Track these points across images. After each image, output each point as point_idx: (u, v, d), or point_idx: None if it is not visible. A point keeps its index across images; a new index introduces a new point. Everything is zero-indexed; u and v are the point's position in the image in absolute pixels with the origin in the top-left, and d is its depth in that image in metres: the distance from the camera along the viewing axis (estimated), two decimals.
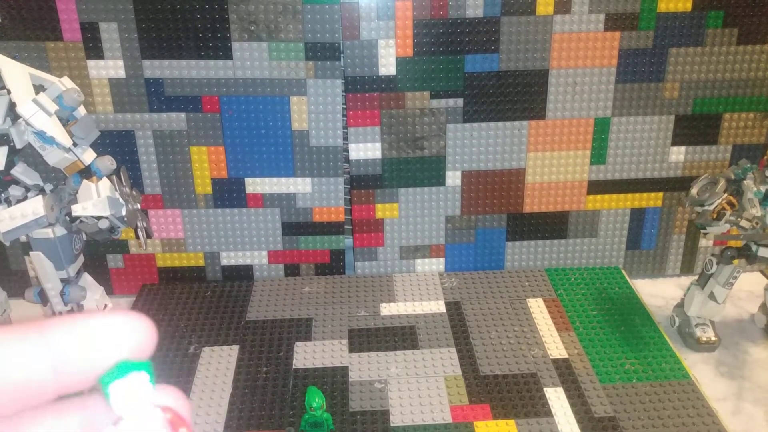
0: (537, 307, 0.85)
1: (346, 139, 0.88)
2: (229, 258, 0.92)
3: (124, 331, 0.18)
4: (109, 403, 0.18)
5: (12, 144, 0.65)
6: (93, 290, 0.75)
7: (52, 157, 0.66)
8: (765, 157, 0.83)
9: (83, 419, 0.19)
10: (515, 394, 0.71)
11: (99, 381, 0.18)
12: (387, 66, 0.84)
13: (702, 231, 0.77)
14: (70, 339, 0.18)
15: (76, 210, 0.65)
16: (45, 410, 0.18)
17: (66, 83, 0.66)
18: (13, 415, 0.17)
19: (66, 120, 0.66)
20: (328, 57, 0.83)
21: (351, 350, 0.78)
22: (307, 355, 0.77)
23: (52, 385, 0.18)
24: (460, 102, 0.86)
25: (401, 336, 0.80)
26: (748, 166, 0.75)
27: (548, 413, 0.69)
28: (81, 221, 0.67)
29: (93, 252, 0.89)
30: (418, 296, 0.88)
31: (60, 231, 0.68)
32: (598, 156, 0.90)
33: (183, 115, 0.85)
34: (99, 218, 0.66)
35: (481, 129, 0.88)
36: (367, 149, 0.88)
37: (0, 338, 0.17)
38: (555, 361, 0.76)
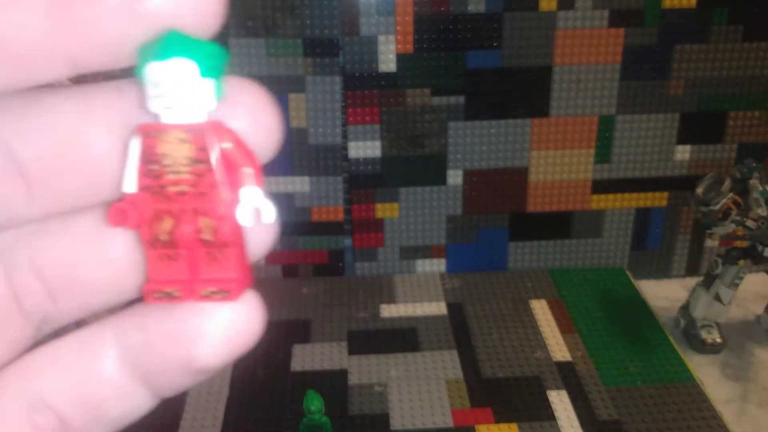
0: (540, 309, 0.84)
1: (345, 137, 0.87)
2: None
3: None
4: (143, 94, 0.13)
5: None
6: None
7: None
8: None
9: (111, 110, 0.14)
10: (518, 397, 0.71)
11: (137, 59, 0.13)
12: (387, 62, 0.83)
13: (707, 231, 0.77)
14: None
15: None
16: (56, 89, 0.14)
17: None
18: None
19: None
20: (326, 53, 0.82)
21: (350, 353, 0.77)
22: (305, 358, 0.76)
23: (54, 45, 0.13)
24: (461, 99, 0.85)
25: (401, 338, 0.79)
26: (754, 165, 0.75)
27: (551, 417, 0.68)
28: None
29: None
30: (418, 297, 0.87)
31: None
32: (603, 155, 0.89)
33: None
34: None
35: (483, 127, 0.87)
36: (366, 147, 0.87)
37: None
38: (558, 363, 0.75)
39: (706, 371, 0.77)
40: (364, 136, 0.86)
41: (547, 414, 0.68)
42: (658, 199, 0.92)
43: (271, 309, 0.90)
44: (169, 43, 0.12)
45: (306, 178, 0.88)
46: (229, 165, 0.14)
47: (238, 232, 0.14)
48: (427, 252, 0.92)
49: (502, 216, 0.91)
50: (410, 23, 0.82)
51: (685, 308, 0.82)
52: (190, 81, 0.13)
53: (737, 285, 0.77)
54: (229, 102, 0.14)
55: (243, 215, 0.14)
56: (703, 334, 0.80)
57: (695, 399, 0.70)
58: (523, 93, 0.85)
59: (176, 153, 0.13)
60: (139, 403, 0.15)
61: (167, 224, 0.14)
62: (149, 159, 0.13)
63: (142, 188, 0.14)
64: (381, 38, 0.82)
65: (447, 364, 0.75)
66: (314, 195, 0.89)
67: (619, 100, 0.86)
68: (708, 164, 0.90)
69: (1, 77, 0.13)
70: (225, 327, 0.14)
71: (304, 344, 0.78)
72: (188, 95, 0.13)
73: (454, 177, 0.89)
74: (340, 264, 0.92)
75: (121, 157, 0.14)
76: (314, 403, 0.60)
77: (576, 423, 0.67)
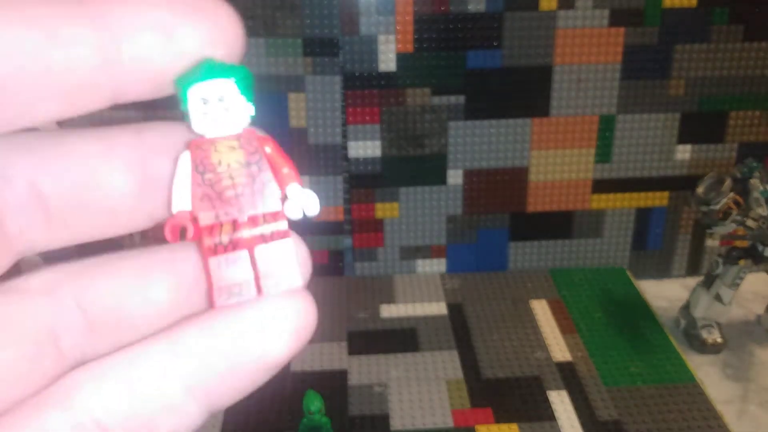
0: (540, 309, 0.84)
1: (345, 136, 0.87)
2: None
3: (203, 13, 0.14)
4: (186, 117, 0.14)
5: None
6: None
7: None
8: None
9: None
10: (518, 397, 0.70)
11: (175, 84, 0.14)
12: (387, 62, 0.83)
13: (708, 231, 0.77)
14: (130, 19, 0.13)
15: None
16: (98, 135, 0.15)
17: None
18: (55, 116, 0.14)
19: None
20: (326, 53, 0.82)
21: (350, 353, 0.77)
22: (305, 358, 0.76)
23: (102, 81, 0.13)
24: (461, 99, 0.85)
25: (401, 338, 0.79)
26: (755, 164, 0.75)
27: (552, 417, 0.68)
28: None
29: (90, 252, 0.88)
30: (418, 298, 0.87)
31: None
32: (603, 154, 0.89)
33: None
34: None
35: (483, 126, 0.86)
36: (366, 147, 0.87)
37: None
38: (559, 364, 0.75)
39: (706, 371, 0.76)
40: (364, 135, 0.86)
41: (547, 414, 0.68)
42: (658, 199, 0.91)
43: None
44: (209, 67, 0.14)
45: (306, 178, 0.88)
46: (272, 166, 0.15)
47: (290, 226, 0.16)
48: (427, 252, 0.92)
49: (502, 216, 0.91)
50: (410, 23, 0.82)
51: (686, 308, 0.82)
52: (232, 96, 0.15)
53: (738, 285, 0.77)
54: (192, 14, 0.14)
55: (292, 210, 0.15)
56: (704, 334, 0.79)
57: (696, 399, 0.70)
58: (523, 92, 0.85)
59: (229, 159, 0.15)
60: (192, 417, 0.15)
61: (227, 227, 0.15)
62: (204, 169, 0.15)
63: (200, 197, 0.15)
64: (381, 38, 0.82)
65: (447, 364, 0.75)
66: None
67: (619, 99, 0.86)
68: (708, 164, 0.90)
69: (51, 109, 0.14)
70: (293, 318, 0.15)
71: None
72: (232, 109, 0.15)
73: (455, 177, 0.89)
74: (340, 264, 0.92)
75: (138, 196, 0.15)
76: (314, 404, 0.60)
77: (576, 423, 0.67)
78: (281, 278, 0.15)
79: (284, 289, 0.15)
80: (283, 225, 0.15)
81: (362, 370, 0.74)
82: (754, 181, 0.73)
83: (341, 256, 0.92)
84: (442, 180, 0.89)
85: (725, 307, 0.79)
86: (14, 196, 0.14)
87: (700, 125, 0.88)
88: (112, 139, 0.15)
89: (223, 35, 0.14)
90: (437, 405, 0.69)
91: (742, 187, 0.74)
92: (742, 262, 0.76)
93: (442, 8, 0.81)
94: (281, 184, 0.15)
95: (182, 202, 0.15)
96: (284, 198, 0.15)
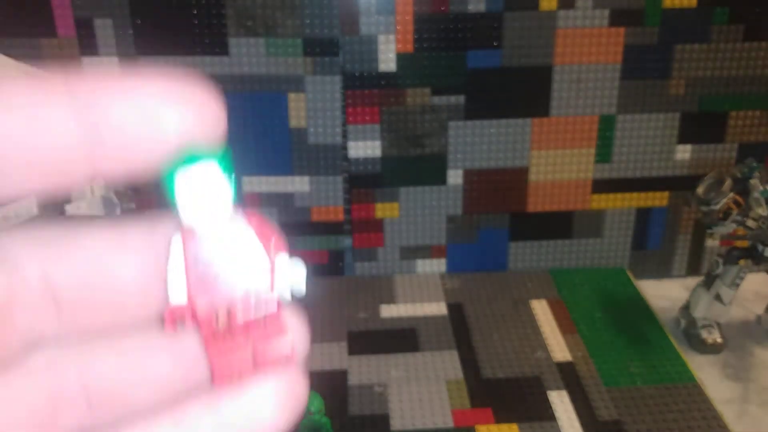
0: (540, 309, 0.84)
1: (345, 136, 0.87)
2: None
3: (186, 98, 0.14)
4: (175, 205, 0.14)
5: None
6: None
7: None
8: None
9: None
10: (518, 397, 0.70)
11: (160, 173, 0.14)
12: (387, 62, 0.83)
13: (708, 231, 0.76)
14: (115, 104, 0.13)
15: (70, 209, 0.64)
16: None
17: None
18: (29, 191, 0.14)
19: None
20: (326, 53, 0.82)
21: (350, 353, 0.77)
22: (305, 358, 0.76)
23: (83, 163, 0.14)
24: (461, 99, 0.85)
25: (401, 338, 0.79)
26: (755, 164, 0.75)
27: (552, 417, 0.68)
28: None
29: None
30: (418, 298, 0.87)
31: None
32: (603, 154, 0.89)
33: None
34: None
35: (483, 126, 0.86)
36: (366, 147, 0.87)
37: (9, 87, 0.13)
38: (559, 364, 0.75)
39: (706, 371, 0.76)
40: (364, 135, 0.86)
41: (547, 414, 0.68)
42: (658, 199, 0.91)
43: None
44: (192, 153, 0.14)
45: (306, 178, 0.88)
46: (261, 241, 0.16)
47: (280, 301, 0.16)
48: (427, 252, 0.92)
49: (502, 216, 0.91)
50: (410, 22, 0.82)
51: (686, 308, 0.82)
52: (215, 179, 0.15)
53: (738, 285, 0.77)
54: (176, 99, 0.14)
55: (281, 285, 0.16)
56: (704, 334, 0.79)
57: (696, 399, 0.70)
58: (523, 92, 0.85)
59: (219, 244, 0.15)
60: None
61: (222, 313, 0.15)
62: (196, 255, 0.15)
63: (195, 284, 0.15)
64: (381, 38, 0.82)
65: (447, 364, 0.75)
66: (314, 195, 0.89)
67: (619, 99, 0.86)
68: (708, 164, 0.90)
69: (29, 188, 0.14)
70: (289, 395, 0.16)
71: None
72: (217, 191, 0.15)
73: (455, 177, 0.89)
74: (340, 264, 0.92)
75: (148, 288, 0.16)
76: (314, 404, 0.60)
77: (576, 423, 0.67)
78: (276, 354, 0.16)
79: (280, 364, 0.16)
80: (273, 305, 0.16)
81: (362, 370, 0.74)
82: (754, 181, 0.73)
83: (341, 256, 0.92)
84: (442, 180, 0.89)
85: (725, 307, 0.78)
86: (26, 289, 0.15)
87: (700, 125, 0.88)
88: (125, 233, 0.16)
89: (207, 119, 0.15)
90: (437, 405, 0.69)
91: (742, 187, 0.74)
92: (742, 262, 0.76)
93: (442, 8, 0.81)
94: (269, 258, 0.16)
95: (178, 291, 0.15)
96: (273, 271, 0.16)
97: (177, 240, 0.15)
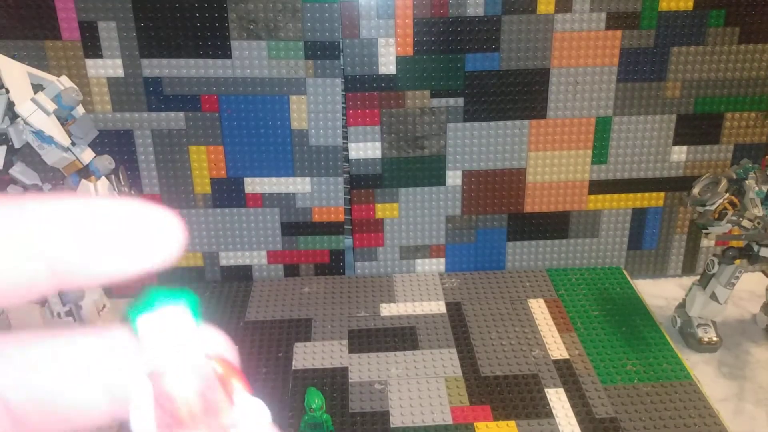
0: (538, 308, 0.85)
1: (345, 138, 0.88)
2: (228, 258, 0.92)
3: (142, 216, 0.14)
4: (138, 345, 0.15)
5: (10, 143, 0.65)
6: (91, 290, 0.74)
7: (51, 156, 0.66)
8: (767, 157, 0.83)
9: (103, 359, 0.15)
10: (516, 395, 0.71)
11: (127, 314, 0.15)
12: (387, 65, 0.84)
13: (704, 231, 0.77)
14: (68, 225, 0.14)
15: None
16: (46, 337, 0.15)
17: (64, 82, 0.66)
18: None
19: (64, 119, 0.66)
20: (327, 56, 0.83)
21: (351, 351, 0.78)
22: (306, 356, 0.77)
23: (44, 281, 0.14)
24: (460, 101, 0.86)
25: (401, 337, 0.80)
26: (750, 165, 0.75)
27: (549, 414, 0.69)
28: None
29: None
30: (418, 296, 0.87)
31: None
32: (600, 155, 0.89)
33: (182, 114, 0.85)
34: None
35: (481, 128, 0.87)
36: (367, 149, 0.88)
37: None
38: (556, 361, 0.76)
39: (702, 369, 0.77)
40: (364, 137, 0.87)
41: (545, 411, 0.69)
42: (654, 200, 0.92)
43: (273, 308, 0.91)
44: (156, 297, 0.15)
45: (307, 179, 0.89)
46: (222, 381, 0.16)
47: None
48: (427, 252, 0.93)
49: (500, 216, 0.92)
50: (410, 26, 0.82)
51: (682, 307, 0.83)
52: (180, 321, 0.15)
53: (734, 284, 0.78)
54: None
55: (244, 424, 0.16)
56: (700, 332, 0.80)
57: (692, 397, 0.71)
58: (521, 95, 0.86)
59: (186, 387, 0.15)
60: None
61: None
62: (163, 399, 0.15)
63: (162, 427, 0.15)
64: (381, 41, 0.83)
65: (446, 362, 0.76)
66: (315, 195, 0.89)
67: (616, 101, 0.87)
68: (704, 165, 0.91)
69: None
70: None
71: (305, 342, 0.79)
72: (183, 333, 0.15)
73: (453, 178, 0.90)
74: (341, 263, 0.93)
75: (104, 407, 0.16)
76: (315, 401, 0.61)
77: (574, 420, 0.68)
78: None
79: None
80: None
81: (363, 368, 0.75)
82: (750, 182, 0.74)
83: (342, 256, 0.93)
84: (441, 181, 0.90)
85: (721, 306, 0.79)
86: None
87: (696, 127, 0.89)
88: (83, 353, 0.16)
89: (168, 241, 0.15)
90: (436, 402, 0.70)
91: (737, 188, 0.74)
92: (737, 262, 0.77)
93: (442, 12, 0.82)
94: (233, 398, 0.16)
95: (144, 430, 0.15)
96: (236, 410, 0.16)
97: (143, 378, 0.15)
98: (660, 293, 0.92)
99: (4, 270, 0.14)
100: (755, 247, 0.74)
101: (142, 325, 0.15)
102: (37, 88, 0.64)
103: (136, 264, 0.15)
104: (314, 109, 0.85)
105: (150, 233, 0.15)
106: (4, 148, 0.65)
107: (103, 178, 0.67)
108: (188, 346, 0.15)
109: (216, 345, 0.16)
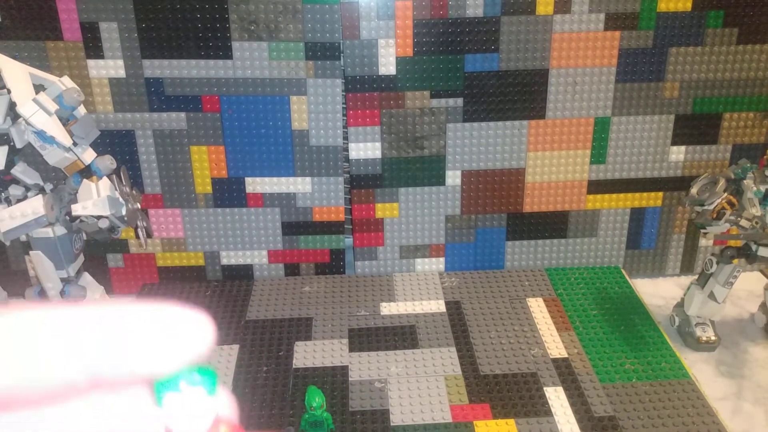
0: (537, 307, 0.85)
1: (346, 138, 0.88)
2: (229, 257, 0.92)
3: (180, 327, 0.15)
4: (161, 415, 0.16)
5: (12, 143, 0.65)
6: (93, 290, 0.75)
7: (53, 156, 0.66)
8: (765, 157, 0.83)
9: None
10: (515, 393, 0.71)
11: (154, 386, 0.16)
12: (387, 65, 0.84)
13: (702, 230, 0.77)
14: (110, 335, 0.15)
15: (76, 209, 0.65)
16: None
17: (66, 83, 0.66)
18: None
19: (66, 119, 0.66)
20: (328, 57, 0.83)
21: (351, 350, 0.78)
22: (307, 355, 0.77)
23: (83, 385, 0.15)
24: (460, 101, 0.86)
25: (401, 335, 0.80)
26: (748, 165, 0.75)
27: (548, 413, 0.69)
28: (81, 221, 0.67)
29: (93, 251, 0.89)
30: (418, 296, 0.88)
31: (60, 230, 0.68)
32: (598, 155, 0.90)
33: (183, 114, 0.85)
34: (99, 218, 0.66)
35: (481, 128, 0.88)
36: (367, 149, 0.88)
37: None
38: (555, 360, 0.76)
39: (700, 368, 0.77)
40: (364, 137, 0.87)
41: (543, 410, 0.69)
42: (653, 199, 0.92)
43: (274, 307, 0.91)
44: (182, 373, 0.16)
45: (308, 179, 0.89)
46: None
47: None
48: (426, 251, 0.93)
49: (499, 216, 0.92)
50: (410, 27, 0.83)
51: (680, 306, 0.83)
52: (200, 400, 0.16)
53: (732, 284, 0.78)
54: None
55: None
56: (698, 331, 0.80)
57: (690, 396, 0.71)
58: (520, 95, 0.86)
59: None
60: None
61: None
62: None
63: None
64: (381, 42, 0.83)
65: (446, 360, 0.76)
66: (316, 195, 0.90)
67: (614, 102, 0.87)
68: (702, 165, 0.91)
69: None
70: None
71: (306, 341, 0.79)
72: (200, 410, 0.16)
73: (453, 177, 0.90)
74: (341, 263, 0.93)
75: None
76: (316, 399, 0.61)
77: (572, 419, 0.68)
78: None
79: None
80: None
81: (363, 367, 0.75)
82: (748, 182, 0.74)
83: (342, 255, 0.93)
84: (440, 181, 0.90)
85: (719, 306, 0.79)
86: None
87: (694, 127, 0.89)
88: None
89: (200, 345, 0.16)
90: (436, 400, 0.71)
91: (735, 188, 0.75)
92: (735, 262, 0.77)
93: (441, 13, 0.82)
94: None
95: None
96: None
97: None
98: (658, 292, 0.92)
99: (45, 377, 0.15)
100: (753, 247, 0.75)
101: (167, 401, 0.16)
102: (39, 88, 0.65)
103: (167, 363, 0.16)
104: (315, 110, 0.86)
105: (179, 334, 0.16)
106: (5, 148, 0.65)
107: (105, 177, 0.67)
108: (204, 421, 0.16)
109: (225, 409, 0.17)
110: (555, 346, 0.78)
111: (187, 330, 0.16)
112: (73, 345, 0.15)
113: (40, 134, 0.64)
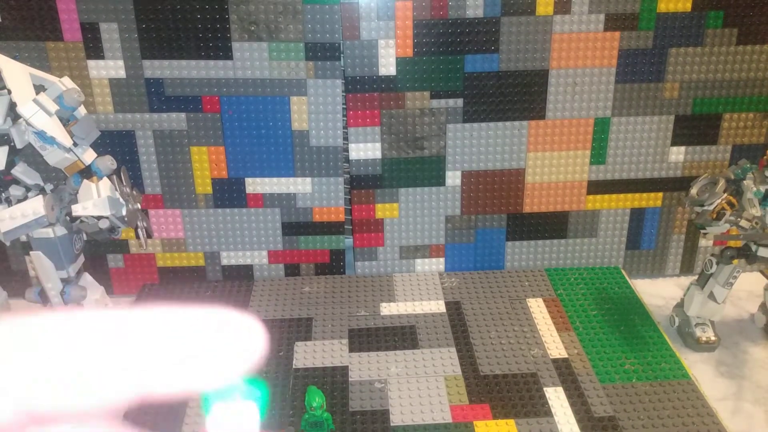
0: (537, 307, 0.85)
1: (346, 139, 0.88)
2: (230, 258, 0.92)
3: (226, 325, 0.15)
4: (206, 423, 0.16)
5: (12, 144, 0.65)
6: (93, 290, 0.75)
7: (53, 157, 0.66)
8: (765, 157, 0.83)
9: None
10: (515, 393, 0.71)
11: (203, 396, 0.16)
12: (387, 66, 0.84)
13: (702, 231, 0.77)
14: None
15: (77, 210, 0.65)
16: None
17: (66, 83, 0.66)
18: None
19: (66, 120, 0.66)
20: (328, 57, 0.84)
21: (351, 350, 0.78)
22: (307, 355, 0.77)
23: (130, 394, 0.15)
24: (460, 102, 0.86)
25: (401, 336, 0.80)
26: (748, 166, 0.75)
27: (548, 413, 0.69)
28: (81, 221, 0.67)
29: (93, 252, 0.89)
30: (418, 296, 0.88)
31: (60, 231, 0.69)
32: (598, 156, 0.90)
33: (183, 115, 0.85)
34: (99, 218, 0.66)
35: (481, 129, 0.88)
36: (367, 149, 0.88)
37: None
38: (555, 360, 0.76)
39: (700, 369, 0.77)
40: (364, 138, 0.88)
41: (543, 410, 0.69)
42: (652, 200, 0.93)
43: (274, 307, 0.91)
44: (234, 388, 0.15)
45: (308, 179, 0.89)
46: None
47: None
48: (426, 251, 0.93)
49: (499, 216, 0.92)
50: (410, 27, 0.83)
51: (680, 307, 0.83)
52: (248, 415, 0.16)
53: (732, 284, 0.78)
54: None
55: None
56: (698, 332, 0.80)
57: (690, 396, 0.71)
58: (520, 96, 0.87)
59: None
60: None
61: None
62: None
63: None
64: (381, 42, 0.83)
65: (446, 361, 0.76)
66: (316, 196, 0.90)
67: (614, 102, 0.88)
68: (702, 165, 0.91)
69: None
70: None
71: (306, 341, 0.79)
72: (246, 424, 0.16)
73: (453, 178, 0.90)
74: (341, 263, 0.93)
75: None
76: (316, 399, 0.61)
77: (572, 419, 0.68)
78: None
79: None
80: None
81: (363, 367, 0.75)
82: (748, 182, 0.74)
83: (342, 256, 0.93)
84: (440, 181, 0.90)
85: (719, 306, 0.79)
86: None
87: (694, 127, 0.90)
88: None
89: (252, 354, 0.15)
90: (436, 401, 0.71)
91: (735, 188, 0.75)
92: (735, 262, 0.77)
93: (441, 13, 0.83)
94: None
95: None
96: None
97: None
98: (658, 293, 0.92)
99: (91, 387, 0.14)
100: (753, 247, 0.75)
101: (215, 411, 0.16)
102: (39, 89, 0.65)
103: (223, 375, 0.15)
104: (315, 110, 0.86)
105: (234, 342, 0.15)
106: (6, 148, 0.65)
107: (105, 178, 0.67)
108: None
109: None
110: (555, 346, 0.78)
111: (240, 338, 0.15)
112: (124, 353, 0.14)
113: (41, 135, 0.64)
